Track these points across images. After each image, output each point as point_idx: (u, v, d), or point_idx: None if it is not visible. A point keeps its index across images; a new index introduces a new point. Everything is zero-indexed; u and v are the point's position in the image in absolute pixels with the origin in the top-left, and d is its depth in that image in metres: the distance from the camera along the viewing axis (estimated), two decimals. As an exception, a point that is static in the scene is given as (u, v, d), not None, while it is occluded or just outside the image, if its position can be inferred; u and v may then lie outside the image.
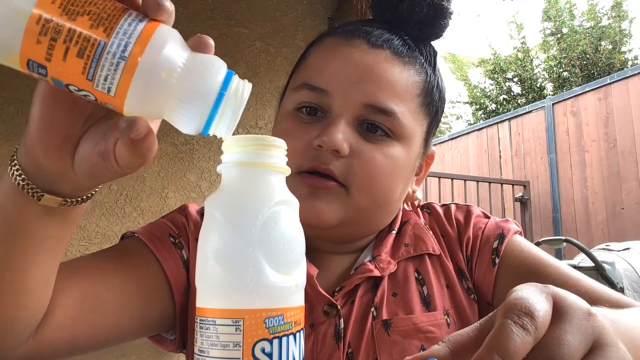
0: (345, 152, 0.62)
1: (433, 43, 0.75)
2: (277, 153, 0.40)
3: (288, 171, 0.41)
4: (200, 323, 0.37)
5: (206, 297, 0.37)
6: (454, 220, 0.75)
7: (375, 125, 0.64)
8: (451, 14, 0.71)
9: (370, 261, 0.69)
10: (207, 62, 0.37)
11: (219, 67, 0.38)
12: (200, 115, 0.37)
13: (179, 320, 0.66)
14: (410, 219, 0.75)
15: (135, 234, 0.66)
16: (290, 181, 0.61)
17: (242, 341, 0.35)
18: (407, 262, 0.70)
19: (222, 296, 0.36)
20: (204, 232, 0.39)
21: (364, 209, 0.64)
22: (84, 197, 0.45)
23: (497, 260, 0.69)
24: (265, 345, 0.36)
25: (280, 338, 0.36)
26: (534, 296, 0.33)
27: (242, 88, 0.38)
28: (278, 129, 0.69)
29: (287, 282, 0.37)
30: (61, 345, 0.56)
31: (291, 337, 0.37)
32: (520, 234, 0.73)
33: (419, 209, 0.78)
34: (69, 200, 0.43)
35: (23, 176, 0.42)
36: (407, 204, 0.78)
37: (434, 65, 0.72)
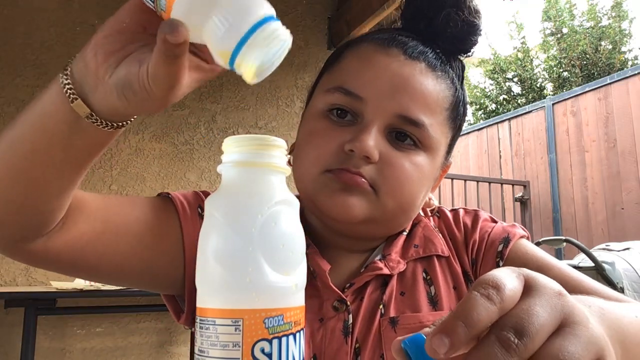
0: (375, 158, 0.63)
1: None
2: (277, 153, 0.40)
3: (288, 171, 0.41)
4: (200, 323, 0.37)
5: (206, 297, 0.37)
6: (462, 224, 0.76)
7: (405, 134, 0.66)
8: (481, 31, 0.72)
9: (380, 260, 0.71)
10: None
11: (270, 7, 0.40)
12: (235, 34, 0.38)
13: (188, 295, 0.67)
14: (421, 222, 0.77)
15: (169, 195, 0.69)
16: (319, 178, 0.65)
17: (241, 341, 0.35)
18: (416, 263, 0.72)
19: (222, 296, 0.36)
20: (203, 232, 0.39)
21: (389, 212, 0.66)
22: (108, 122, 0.47)
23: (500, 264, 0.70)
24: (265, 345, 0.36)
25: (279, 338, 0.36)
26: (504, 273, 0.34)
27: (283, 32, 0.40)
28: (307, 127, 0.70)
29: (286, 282, 0.37)
30: (65, 261, 0.59)
31: (291, 337, 0.37)
32: (527, 238, 0.74)
33: (429, 213, 0.80)
34: (94, 115, 0.46)
35: (69, 75, 0.46)
36: (421, 209, 0.80)
37: (462, 80, 0.74)
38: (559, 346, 0.31)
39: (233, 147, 0.39)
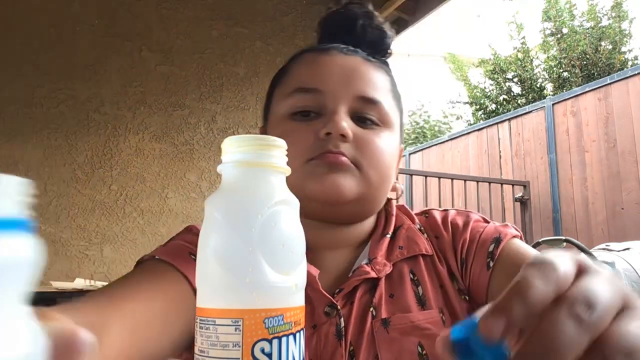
0: (351, 136, 0.69)
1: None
2: (277, 153, 0.40)
3: (288, 171, 0.41)
4: (200, 323, 0.37)
5: (206, 297, 0.37)
6: (450, 224, 0.77)
7: (364, 117, 0.72)
8: (391, 37, 0.83)
9: (367, 264, 0.72)
10: None
11: None
12: None
13: None
14: (404, 224, 0.79)
15: (156, 257, 0.66)
16: (303, 168, 0.68)
17: (241, 341, 0.35)
18: (402, 264, 0.74)
19: (222, 296, 0.36)
20: (203, 232, 0.39)
21: (374, 185, 0.71)
22: None
23: (491, 264, 0.70)
24: (265, 345, 0.36)
25: (279, 338, 0.36)
26: (556, 254, 0.33)
27: None
28: (277, 132, 0.73)
29: (286, 282, 0.37)
30: None
31: (291, 337, 0.37)
32: (520, 238, 0.74)
33: (415, 215, 0.82)
34: None
35: None
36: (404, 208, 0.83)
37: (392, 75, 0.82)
38: (629, 327, 0.30)
39: (233, 147, 0.39)
